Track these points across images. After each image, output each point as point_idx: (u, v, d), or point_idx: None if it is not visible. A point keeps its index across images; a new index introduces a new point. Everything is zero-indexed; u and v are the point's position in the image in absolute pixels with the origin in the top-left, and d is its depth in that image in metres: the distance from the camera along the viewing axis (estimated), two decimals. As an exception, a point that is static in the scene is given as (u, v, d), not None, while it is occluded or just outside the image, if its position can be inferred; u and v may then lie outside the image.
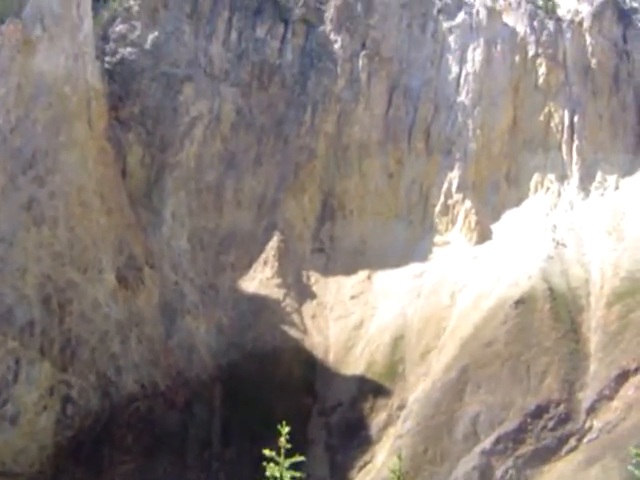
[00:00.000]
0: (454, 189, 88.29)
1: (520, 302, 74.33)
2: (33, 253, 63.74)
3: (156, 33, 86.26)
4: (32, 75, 66.66)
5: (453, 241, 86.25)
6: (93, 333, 65.60)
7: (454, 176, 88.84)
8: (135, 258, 74.75)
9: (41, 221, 65.53)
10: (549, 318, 73.06)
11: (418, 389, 72.75)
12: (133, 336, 69.90)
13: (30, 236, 64.11)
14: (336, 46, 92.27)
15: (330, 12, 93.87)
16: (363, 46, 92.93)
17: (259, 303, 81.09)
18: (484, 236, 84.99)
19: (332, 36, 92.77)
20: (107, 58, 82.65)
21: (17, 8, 67.65)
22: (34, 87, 66.78)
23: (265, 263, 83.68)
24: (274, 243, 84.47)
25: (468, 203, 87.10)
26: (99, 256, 70.24)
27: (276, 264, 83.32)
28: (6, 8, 67.97)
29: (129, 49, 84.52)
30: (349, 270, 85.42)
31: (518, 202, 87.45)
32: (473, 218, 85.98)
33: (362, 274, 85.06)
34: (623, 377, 67.39)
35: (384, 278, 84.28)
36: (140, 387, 68.16)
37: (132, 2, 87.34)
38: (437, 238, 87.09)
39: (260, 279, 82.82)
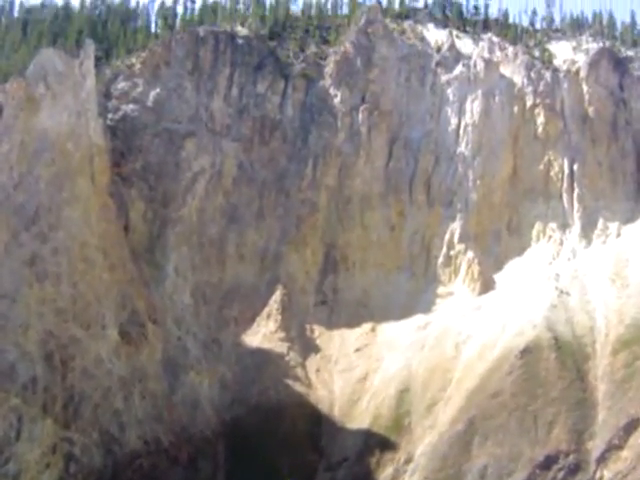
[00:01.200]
0: (456, 240, 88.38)
1: (525, 352, 73.72)
2: (36, 309, 63.54)
3: (158, 90, 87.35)
4: (35, 132, 67.30)
5: (456, 292, 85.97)
6: (96, 389, 64.99)
7: (456, 227, 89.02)
8: (138, 313, 74.48)
9: (44, 277, 65.48)
10: (555, 367, 72.39)
11: (425, 442, 71.72)
12: (136, 392, 69.24)
13: (33, 292, 64.00)
14: (336, 100, 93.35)
15: (330, 67, 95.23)
16: (363, 100, 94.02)
17: (263, 357, 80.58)
18: (487, 286, 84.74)
19: (332, 90, 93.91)
20: (110, 115, 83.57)
21: (21, 66, 68.75)
22: (37, 144, 67.38)
23: (268, 317, 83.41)
24: (277, 297, 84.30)
25: (470, 253, 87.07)
26: (102, 312, 70.01)
27: (279, 318, 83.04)
28: (10, 67, 69.12)
29: (131, 106, 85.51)
30: (353, 323, 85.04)
31: (520, 251, 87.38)
32: (476, 268, 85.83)
33: (366, 326, 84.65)
34: (632, 425, 66.43)
35: (388, 330, 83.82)
36: (143, 443, 67.29)
37: (134, 60, 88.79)
38: (440, 289, 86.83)
39: (263, 333, 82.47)
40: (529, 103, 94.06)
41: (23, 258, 64.26)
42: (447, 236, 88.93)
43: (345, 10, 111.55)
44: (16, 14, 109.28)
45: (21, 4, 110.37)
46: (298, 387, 79.19)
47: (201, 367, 77.94)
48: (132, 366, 70.44)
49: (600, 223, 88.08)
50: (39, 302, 64.14)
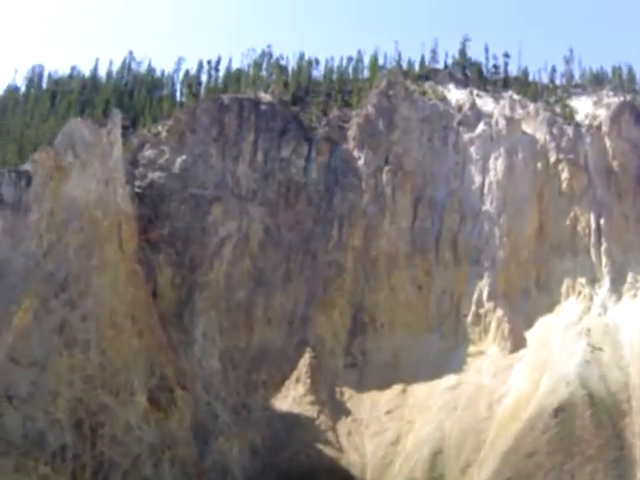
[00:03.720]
0: (485, 298, 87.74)
1: (560, 410, 72.23)
2: (65, 377, 63.48)
3: (184, 157, 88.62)
4: (64, 200, 68.17)
5: (487, 350, 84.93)
6: (125, 456, 64.43)
7: (484, 285, 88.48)
8: (167, 379, 74.19)
9: (73, 344, 65.56)
10: (591, 425, 70.77)
11: (460, 505, 70.31)
12: (166, 459, 68.53)
13: (62, 360, 64.02)
14: (360, 162, 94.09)
15: (353, 130, 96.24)
16: (386, 161, 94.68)
17: (293, 421, 79.69)
18: (518, 344, 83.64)
19: (355, 153, 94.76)
20: (137, 182, 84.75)
21: (50, 136, 70.04)
22: (66, 212, 68.18)
23: (297, 380, 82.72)
24: (306, 360, 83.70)
25: (500, 311, 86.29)
26: (131, 378, 69.82)
27: (309, 381, 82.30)
28: (39, 136, 70.50)
29: (158, 173, 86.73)
30: (383, 384, 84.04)
31: (550, 308, 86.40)
32: (506, 326, 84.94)
33: (396, 388, 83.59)
34: (672, 483, 64.74)
35: (419, 391, 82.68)
36: (173, 510, 66.51)
37: (160, 128, 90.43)
38: (470, 348, 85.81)
39: (293, 397, 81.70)
40: (552, 159, 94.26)
41: (52, 325, 64.49)
42: (476, 294, 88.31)
43: (366, 73, 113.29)
44: (45, 85, 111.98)
45: (49, 75, 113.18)
46: (329, 451, 78.04)
47: (231, 432, 77.18)
48: (161, 432, 69.89)
49: (630, 277, 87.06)
50: (68, 369, 64.10)
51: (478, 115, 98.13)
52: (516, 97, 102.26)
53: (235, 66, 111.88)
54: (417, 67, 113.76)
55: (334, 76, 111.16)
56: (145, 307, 76.37)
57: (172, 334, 79.39)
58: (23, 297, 61.81)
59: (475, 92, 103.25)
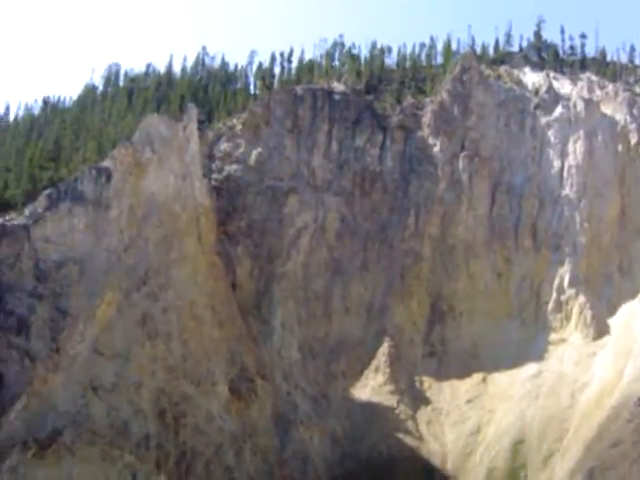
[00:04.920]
0: (566, 284, 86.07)
1: (645, 398, 70.48)
2: (148, 367, 64.91)
3: (259, 149, 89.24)
4: (143, 195, 69.45)
5: (569, 338, 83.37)
6: (207, 446, 65.57)
7: (565, 271, 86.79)
8: (247, 369, 75.17)
9: (155, 336, 66.96)
10: (678, 413, 68.90)
11: (542, 495, 69.32)
12: (247, 448, 69.47)
13: (145, 351, 65.46)
14: (435, 149, 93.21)
15: (427, 117, 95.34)
16: (462, 147, 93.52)
17: (372, 411, 79.77)
18: (601, 331, 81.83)
19: (431, 140, 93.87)
20: (214, 175, 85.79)
21: (128, 133, 71.33)
22: (145, 207, 69.46)
23: (377, 370, 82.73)
24: (385, 349, 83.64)
25: (582, 298, 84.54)
26: (212, 369, 70.96)
27: (388, 370, 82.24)
28: (118, 133, 71.90)
29: (234, 166, 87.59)
30: (463, 373, 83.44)
31: (634, 294, 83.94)
32: (588, 313, 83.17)
33: (476, 377, 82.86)
34: None
35: (499, 380, 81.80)
36: (255, 499, 67.38)
37: (235, 121, 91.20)
38: (552, 336, 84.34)
39: (372, 386, 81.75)
40: (633, 141, 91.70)
41: (135, 318, 65.94)
42: (557, 281, 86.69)
43: (439, 60, 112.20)
44: (121, 83, 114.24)
45: (126, 73, 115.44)
46: (409, 441, 77.90)
47: (311, 422, 77.71)
48: (242, 422, 70.86)
49: None
50: (151, 360, 65.52)
51: (555, 98, 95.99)
52: (594, 78, 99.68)
53: (307, 57, 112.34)
54: (491, 51, 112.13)
55: (407, 63, 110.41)
56: (225, 298, 77.44)
57: (251, 325, 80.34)
58: (106, 291, 63.32)
59: (552, 74, 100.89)
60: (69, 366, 59.40)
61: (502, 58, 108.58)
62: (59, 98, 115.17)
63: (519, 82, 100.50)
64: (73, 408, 58.42)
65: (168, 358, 67.06)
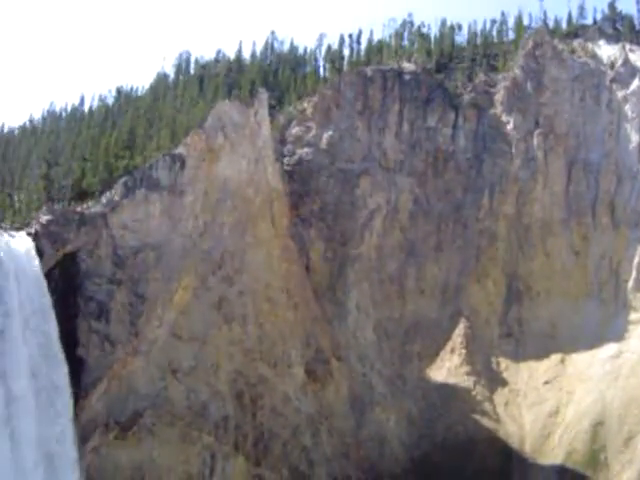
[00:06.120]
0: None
1: None
2: (225, 350, 65.88)
3: (330, 132, 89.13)
4: (217, 181, 70.15)
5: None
6: (284, 427, 66.38)
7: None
8: (322, 351, 75.65)
9: (231, 319, 67.86)
10: None
11: (623, 478, 67.99)
12: (323, 429, 70.08)
13: (221, 334, 66.43)
14: (509, 127, 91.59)
15: (500, 94, 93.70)
16: (537, 124, 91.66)
17: (448, 392, 79.50)
18: (684, 310, 79.71)
19: (504, 117, 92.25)
20: (286, 159, 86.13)
21: (200, 120, 71.92)
22: (219, 192, 70.17)
23: (452, 351, 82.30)
24: (460, 330, 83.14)
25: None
26: (288, 351, 71.66)
27: (464, 351, 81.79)
28: (190, 121, 72.54)
29: (306, 149, 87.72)
30: (540, 354, 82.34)
31: None
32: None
33: (554, 358, 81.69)
34: None
35: (578, 361, 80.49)
36: (332, 480, 67.96)
37: (305, 104, 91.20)
38: (632, 315, 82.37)
39: (448, 367, 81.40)
40: None
41: (211, 301, 66.90)
42: (636, 259, 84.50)
43: (511, 35, 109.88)
44: (192, 70, 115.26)
45: (196, 61, 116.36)
46: (486, 422, 77.44)
47: (387, 403, 77.85)
48: (319, 403, 71.44)
49: None
50: (228, 343, 66.48)
51: (632, 71, 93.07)
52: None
53: (376, 37, 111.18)
54: (564, 25, 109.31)
55: (478, 40, 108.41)
56: (299, 281, 77.94)
57: (326, 307, 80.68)
58: (182, 275, 64.35)
59: (627, 47, 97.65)
60: (148, 350, 60.68)
61: (575, 31, 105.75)
62: (132, 88, 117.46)
63: (594, 55, 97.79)
64: (153, 391, 59.77)
65: (244, 341, 67.94)
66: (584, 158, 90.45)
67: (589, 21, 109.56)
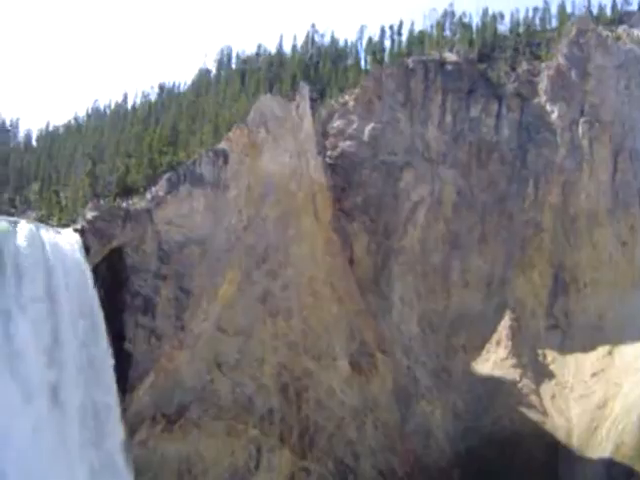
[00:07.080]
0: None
1: None
2: (269, 344, 66.12)
3: (372, 124, 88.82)
4: (260, 175, 70.34)
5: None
6: (329, 420, 66.48)
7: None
8: (367, 344, 75.57)
9: (276, 313, 68.05)
10: None
11: (673, 471, 67.10)
12: (369, 422, 70.05)
13: (266, 327, 66.66)
14: (553, 116, 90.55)
15: (544, 83, 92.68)
16: (582, 113, 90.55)
17: (494, 385, 78.99)
18: None
19: (548, 107, 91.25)
20: (328, 153, 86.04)
21: (242, 114, 72.16)
22: (262, 186, 70.36)
23: (498, 343, 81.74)
24: (506, 322, 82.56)
25: None
26: (332, 344, 71.69)
27: (510, 344, 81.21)
28: (232, 116, 72.82)
29: (348, 142, 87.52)
30: (587, 346, 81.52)
31: None
32: None
33: (602, 350, 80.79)
34: None
35: (626, 353, 79.54)
36: (378, 473, 67.89)
37: (347, 97, 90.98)
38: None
39: (494, 360, 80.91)
40: None
41: (256, 295, 67.15)
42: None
43: (554, 23, 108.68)
44: (234, 65, 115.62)
45: (237, 55, 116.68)
46: (533, 415, 76.85)
47: (432, 396, 77.63)
48: (364, 396, 71.40)
49: None
50: (272, 337, 66.72)
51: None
52: None
53: (418, 28, 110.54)
54: (609, 11, 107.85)
55: (521, 29, 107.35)
56: (343, 274, 77.89)
57: (370, 300, 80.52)
58: (227, 270, 64.68)
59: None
60: (194, 344, 61.11)
61: (620, 18, 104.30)
62: (174, 84, 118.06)
63: (639, 42, 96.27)
64: (199, 384, 60.21)
65: (289, 334, 68.11)
66: (630, 146, 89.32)
67: (634, 7, 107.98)
